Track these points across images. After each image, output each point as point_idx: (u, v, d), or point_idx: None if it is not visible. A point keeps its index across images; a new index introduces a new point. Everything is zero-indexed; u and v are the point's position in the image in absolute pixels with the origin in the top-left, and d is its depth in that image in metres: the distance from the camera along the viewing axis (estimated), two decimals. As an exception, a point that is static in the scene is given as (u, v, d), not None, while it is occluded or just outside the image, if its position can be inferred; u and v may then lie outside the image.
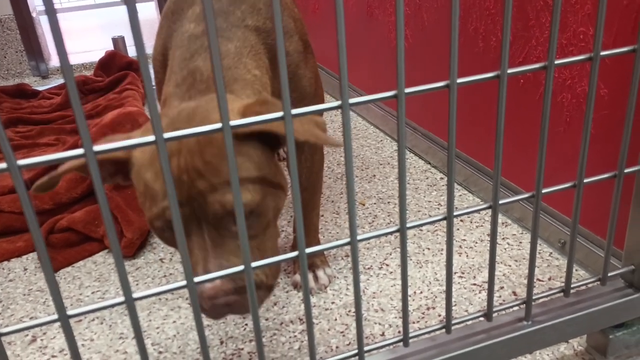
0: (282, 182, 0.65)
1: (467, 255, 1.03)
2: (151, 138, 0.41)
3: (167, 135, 0.42)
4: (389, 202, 1.23)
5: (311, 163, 0.93)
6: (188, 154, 0.58)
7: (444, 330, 0.64)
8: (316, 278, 0.97)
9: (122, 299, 0.46)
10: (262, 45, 0.77)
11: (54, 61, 2.49)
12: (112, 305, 0.46)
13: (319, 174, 0.96)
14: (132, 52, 2.32)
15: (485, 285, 0.95)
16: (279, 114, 0.45)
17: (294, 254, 0.51)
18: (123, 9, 3.59)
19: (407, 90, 0.48)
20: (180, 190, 0.57)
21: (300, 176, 0.92)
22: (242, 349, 0.86)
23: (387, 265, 1.02)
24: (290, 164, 0.47)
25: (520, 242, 1.06)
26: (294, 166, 0.46)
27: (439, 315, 0.89)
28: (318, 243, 1.03)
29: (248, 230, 0.55)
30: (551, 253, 1.02)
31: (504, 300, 0.91)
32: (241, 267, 0.49)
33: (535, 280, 0.95)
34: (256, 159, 0.60)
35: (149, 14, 3.09)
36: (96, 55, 2.23)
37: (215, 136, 0.58)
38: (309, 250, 0.51)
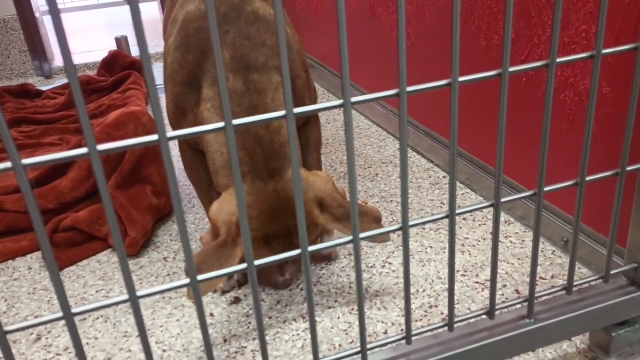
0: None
1: (469, 254, 1.03)
2: (153, 137, 0.42)
3: (169, 134, 0.42)
4: (391, 201, 1.23)
5: (312, 133, 1.08)
6: (287, 213, 0.86)
7: (446, 328, 0.64)
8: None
9: (126, 297, 0.46)
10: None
11: (58, 61, 2.50)
12: (117, 303, 0.46)
13: (318, 142, 1.11)
14: (135, 51, 2.32)
15: (488, 283, 0.95)
16: (281, 113, 0.45)
17: (297, 251, 0.51)
18: (126, 8, 3.59)
19: (409, 88, 0.49)
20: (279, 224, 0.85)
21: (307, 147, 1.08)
22: (246, 347, 0.86)
23: (390, 263, 1.02)
24: (293, 162, 0.47)
25: (523, 240, 1.06)
26: (296, 168, 0.46)
27: (442, 313, 0.90)
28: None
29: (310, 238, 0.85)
30: (554, 251, 1.02)
31: (506, 298, 0.92)
32: (244, 265, 0.49)
33: (537, 278, 0.95)
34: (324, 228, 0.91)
35: (151, 13, 3.09)
36: (99, 55, 2.24)
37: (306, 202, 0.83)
38: (311, 248, 0.51)
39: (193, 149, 1.00)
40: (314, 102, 1.05)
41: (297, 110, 0.46)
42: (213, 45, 0.41)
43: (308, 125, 1.08)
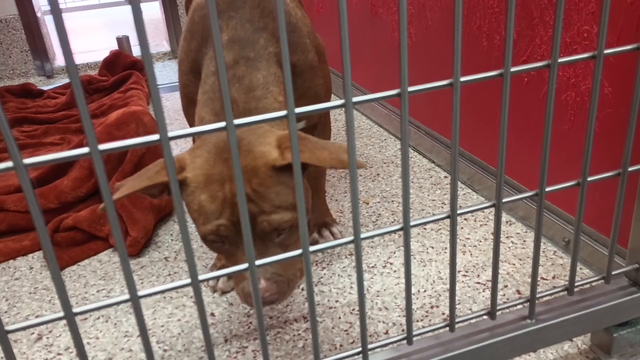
0: (309, 203, 0.84)
1: (471, 254, 1.03)
2: (155, 137, 0.42)
3: (171, 134, 0.42)
4: (392, 201, 1.23)
5: (322, 135, 1.06)
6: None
7: (447, 328, 0.64)
8: (332, 234, 1.09)
9: (127, 296, 0.46)
10: (278, 67, 0.87)
11: (59, 61, 2.50)
12: (118, 303, 0.46)
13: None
14: (136, 51, 2.33)
15: (489, 284, 0.95)
16: (283, 112, 0.45)
17: (299, 251, 0.51)
18: (127, 8, 3.60)
19: (411, 88, 0.49)
20: (233, 210, 0.70)
21: None
22: (247, 347, 0.86)
23: (391, 263, 1.02)
24: (294, 162, 0.47)
25: (524, 241, 1.06)
26: (297, 166, 0.46)
27: (443, 314, 0.90)
28: (327, 207, 1.13)
29: (287, 240, 0.73)
30: (555, 251, 1.02)
31: (507, 299, 0.91)
32: (245, 265, 0.49)
33: (539, 279, 0.95)
34: (292, 184, 0.72)
35: (153, 13, 3.10)
36: (101, 55, 2.24)
37: (259, 168, 0.71)
38: (312, 248, 0.51)
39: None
40: (329, 92, 1.01)
41: (298, 110, 0.46)
42: (213, 35, 0.41)
43: (318, 125, 1.07)
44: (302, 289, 0.98)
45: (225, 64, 0.83)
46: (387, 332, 0.87)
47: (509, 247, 1.04)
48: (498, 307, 0.66)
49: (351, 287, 0.98)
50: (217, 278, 0.98)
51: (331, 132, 1.11)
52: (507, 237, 1.07)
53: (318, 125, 1.06)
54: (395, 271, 1.00)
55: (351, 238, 0.53)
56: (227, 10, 0.88)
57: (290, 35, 0.90)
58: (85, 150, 0.40)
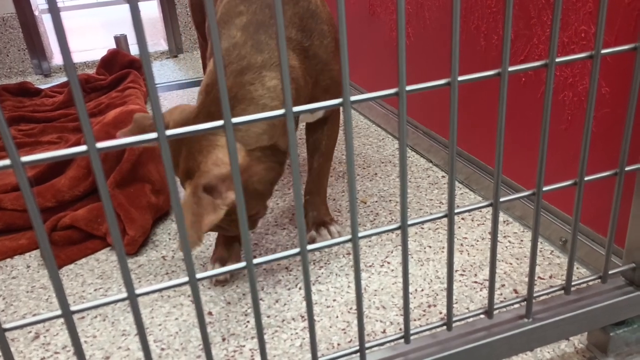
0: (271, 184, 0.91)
1: (468, 253, 1.03)
2: (153, 135, 0.42)
3: (169, 132, 0.42)
4: (390, 200, 1.23)
5: (331, 132, 1.08)
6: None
7: (445, 327, 0.64)
8: (330, 233, 1.09)
9: (124, 295, 0.46)
10: (290, 51, 0.90)
11: (56, 59, 2.49)
12: (115, 302, 0.46)
13: (335, 143, 1.10)
14: (134, 50, 2.32)
15: (486, 283, 0.95)
16: (281, 111, 0.45)
17: (296, 250, 0.51)
18: (125, 7, 3.59)
19: (409, 88, 0.49)
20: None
21: (320, 143, 1.08)
22: (244, 345, 0.86)
23: (389, 263, 1.03)
24: (292, 160, 0.47)
25: (522, 240, 1.06)
26: (295, 167, 0.46)
27: (440, 313, 0.90)
28: (326, 206, 1.13)
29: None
30: (552, 251, 1.02)
31: (504, 298, 0.92)
32: (243, 264, 0.50)
33: (536, 278, 0.95)
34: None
35: (151, 12, 3.09)
36: (98, 54, 2.24)
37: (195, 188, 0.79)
38: (310, 247, 0.51)
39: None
40: (339, 87, 1.02)
41: (296, 108, 0.46)
42: (213, 41, 0.41)
43: (329, 120, 1.07)
44: (300, 288, 0.98)
45: (236, 43, 0.88)
46: (384, 331, 0.87)
47: (506, 247, 1.04)
48: (495, 306, 0.66)
49: (349, 286, 0.98)
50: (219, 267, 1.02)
51: (337, 134, 1.10)
52: (505, 237, 1.07)
53: (329, 119, 1.07)
54: (392, 270, 1.00)
55: (349, 237, 0.53)
56: None
57: (308, 21, 0.92)
58: (83, 148, 0.40)
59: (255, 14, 0.89)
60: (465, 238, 1.08)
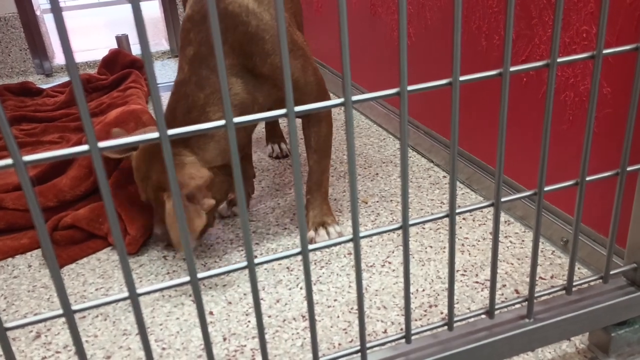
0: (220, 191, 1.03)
1: (469, 253, 1.03)
2: (154, 135, 0.42)
3: (170, 132, 0.42)
4: (391, 200, 1.23)
5: (318, 128, 1.09)
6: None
7: (446, 327, 0.64)
8: (328, 234, 1.10)
9: (126, 294, 0.46)
10: (234, 77, 0.96)
11: (58, 59, 2.50)
12: (116, 301, 0.46)
13: (327, 140, 1.11)
14: (135, 50, 2.32)
15: (488, 283, 0.95)
16: (282, 111, 0.45)
17: (297, 250, 0.51)
18: (127, 7, 3.59)
19: (410, 87, 0.49)
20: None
21: (309, 140, 1.10)
22: (245, 345, 0.86)
23: (390, 263, 1.02)
24: (293, 161, 0.47)
25: (523, 241, 1.06)
26: (297, 168, 0.46)
27: (441, 313, 0.90)
28: (328, 206, 1.13)
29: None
30: (553, 251, 1.02)
31: (506, 298, 0.92)
32: (244, 264, 0.50)
33: (537, 278, 0.95)
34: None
35: (153, 12, 3.09)
36: (100, 54, 2.24)
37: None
38: (311, 247, 0.51)
39: None
40: (313, 87, 1.04)
41: (298, 108, 0.46)
42: (215, 48, 0.41)
43: (311, 122, 1.08)
44: (301, 288, 0.98)
45: (183, 79, 0.97)
46: (385, 331, 0.87)
47: (508, 247, 1.04)
48: (496, 307, 0.66)
49: (350, 286, 0.98)
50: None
51: (332, 129, 1.11)
52: (506, 237, 1.07)
53: (310, 119, 1.08)
54: (393, 270, 1.00)
55: (350, 237, 0.53)
56: (200, 23, 0.96)
57: (248, 45, 0.95)
58: (85, 147, 0.40)
59: (201, 45, 0.95)
60: (467, 238, 1.08)
